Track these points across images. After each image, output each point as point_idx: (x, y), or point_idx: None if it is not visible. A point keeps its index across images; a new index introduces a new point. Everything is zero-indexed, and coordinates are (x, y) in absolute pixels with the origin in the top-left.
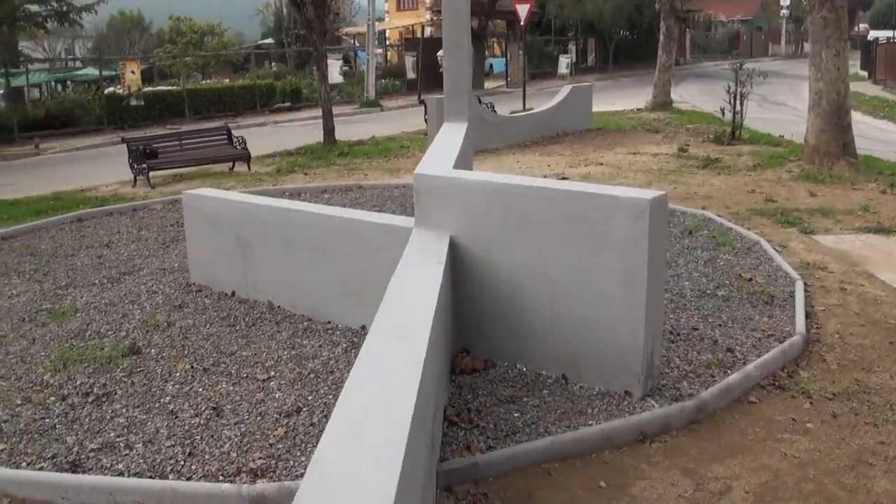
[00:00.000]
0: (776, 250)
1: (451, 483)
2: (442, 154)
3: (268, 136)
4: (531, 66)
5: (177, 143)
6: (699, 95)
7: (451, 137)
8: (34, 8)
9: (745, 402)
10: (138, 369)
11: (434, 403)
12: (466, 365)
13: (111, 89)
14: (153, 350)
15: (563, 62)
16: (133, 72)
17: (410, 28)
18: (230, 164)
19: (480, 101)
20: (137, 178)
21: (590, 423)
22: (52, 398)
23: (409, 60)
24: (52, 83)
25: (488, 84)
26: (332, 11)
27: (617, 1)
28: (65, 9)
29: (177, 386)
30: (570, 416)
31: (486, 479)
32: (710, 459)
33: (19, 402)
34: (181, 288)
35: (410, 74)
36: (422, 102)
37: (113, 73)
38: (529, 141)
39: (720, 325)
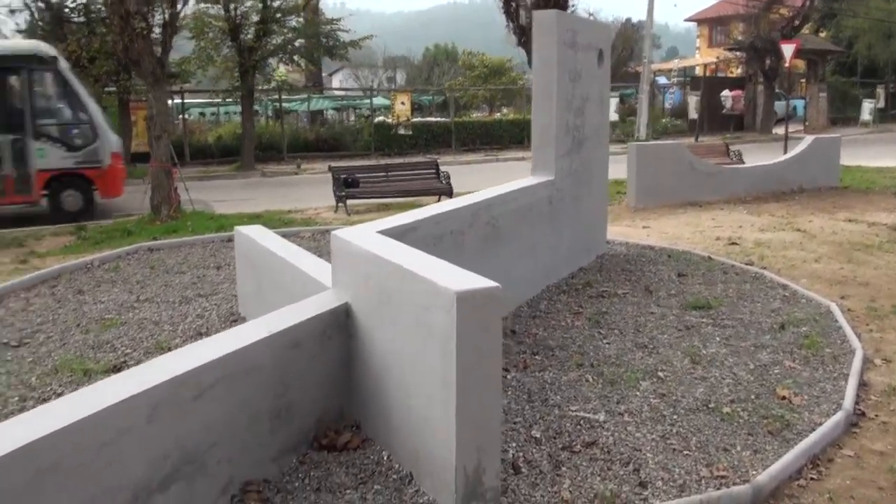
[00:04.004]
0: (871, 364)
1: None
2: (414, 213)
3: (507, 171)
4: (832, 111)
5: (383, 174)
6: None
7: (486, 193)
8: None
9: None
10: None
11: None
12: (336, 440)
13: (381, 118)
14: None
15: (867, 107)
16: (403, 103)
17: (715, 65)
18: (437, 196)
19: (728, 149)
20: (339, 204)
21: None
22: (16, 398)
23: (693, 100)
24: (340, 109)
25: (780, 129)
26: None
27: None
28: (331, 44)
29: None
30: None
31: None
32: None
33: None
34: (225, 317)
35: (692, 114)
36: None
37: (388, 102)
38: (752, 196)
39: (675, 450)
